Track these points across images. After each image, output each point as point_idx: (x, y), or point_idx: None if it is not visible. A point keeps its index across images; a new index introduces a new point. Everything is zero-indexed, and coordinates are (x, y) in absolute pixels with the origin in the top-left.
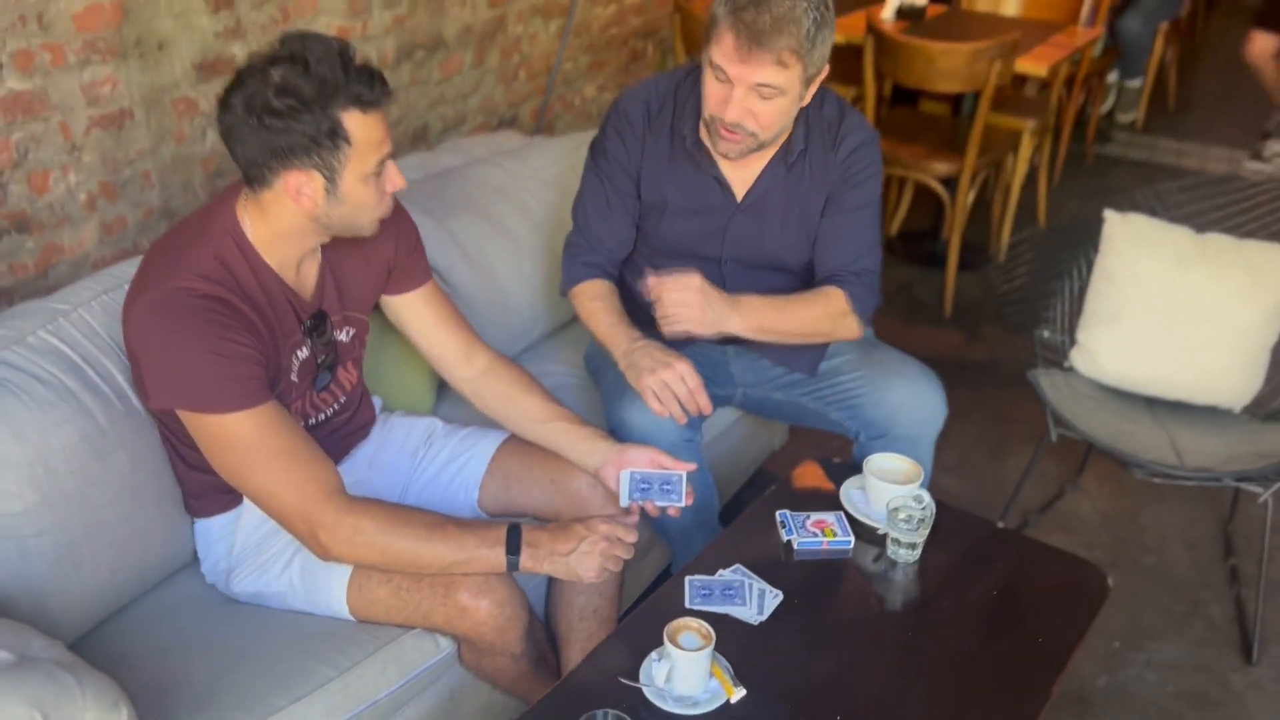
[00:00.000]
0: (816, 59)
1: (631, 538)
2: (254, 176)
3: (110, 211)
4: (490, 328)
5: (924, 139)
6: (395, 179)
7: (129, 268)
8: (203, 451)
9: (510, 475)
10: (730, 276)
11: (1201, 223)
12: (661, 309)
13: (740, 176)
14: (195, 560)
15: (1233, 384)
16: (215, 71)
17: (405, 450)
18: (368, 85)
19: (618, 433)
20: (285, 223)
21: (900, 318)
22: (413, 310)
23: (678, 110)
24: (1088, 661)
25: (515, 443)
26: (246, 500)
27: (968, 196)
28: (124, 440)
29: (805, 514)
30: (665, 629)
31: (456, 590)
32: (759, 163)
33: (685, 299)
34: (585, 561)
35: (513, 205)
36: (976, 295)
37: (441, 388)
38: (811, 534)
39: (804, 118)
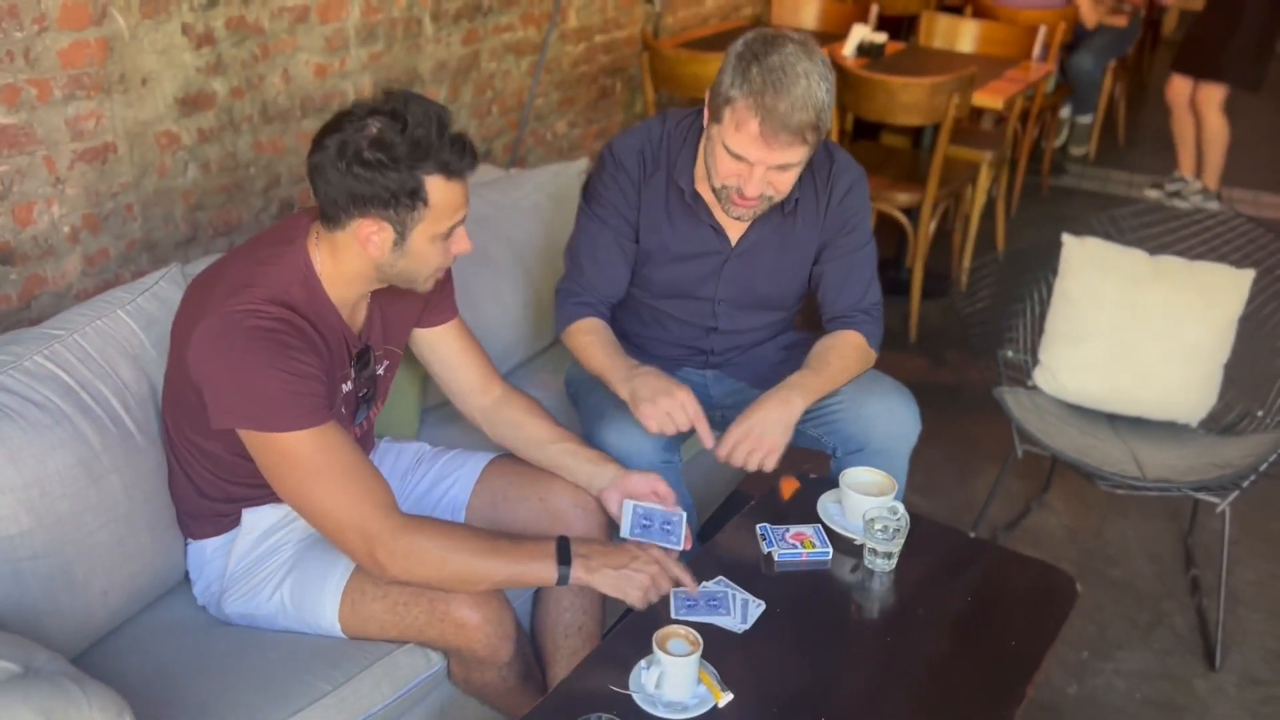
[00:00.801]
0: (828, 121)
1: (685, 579)
2: (330, 216)
3: (93, 244)
4: None
5: (886, 171)
6: (462, 243)
7: (124, 294)
8: (262, 471)
9: (497, 494)
10: (723, 315)
11: (1155, 246)
12: (750, 463)
13: (735, 223)
14: (186, 582)
15: (1189, 400)
16: (197, 106)
17: (395, 474)
18: (458, 154)
19: None
20: (351, 266)
21: None
22: (442, 343)
23: (670, 162)
24: (1058, 671)
25: (502, 463)
26: (243, 524)
27: (929, 225)
28: (117, 464)
29: (785, 527)
30: (654, 636)
31: (451, 604)
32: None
33: (745, 446)
34: (635, 580)
35: (493, 234)
36: (940, 321)
37: (425, 413)
38: (791, 546)
39: None
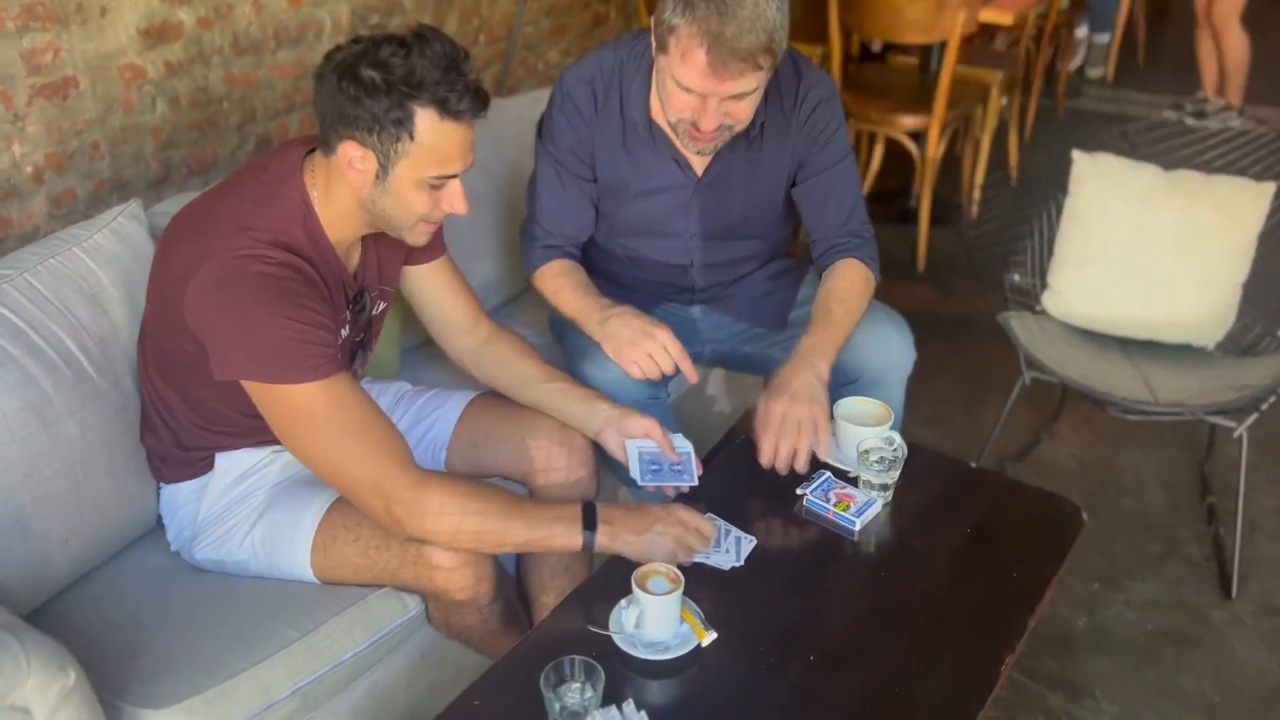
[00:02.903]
0: (783, 42)
1: (709, 531)
2: (324, 137)
3: (58, 184)
4: None
5: (892, 94)
6: (456, 201)
7: (81, 231)
8: (271, 425)
9: (478, 434)
10: (698, 250)
11: (1170, 161)
12: (792, 445)
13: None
14: (160, 528)
15: (1205, 321)
16: (163, 38)
17: None
18: (457, 94)
19: None
20: (342, 201)
21: None
22: (431, 280)
23: (624, 92)
24: (1067, 603)
25: (483, 401)
26: (216, 468)
27: (937, 150)
28: (72, 408)
29: (834, 481)
30: (634, 574)
31: (425, 546)
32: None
33: (791, 420)
34: (660, 543)
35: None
36: (949, 250)
37: (405, 353)
38: (826, 500)
39: None
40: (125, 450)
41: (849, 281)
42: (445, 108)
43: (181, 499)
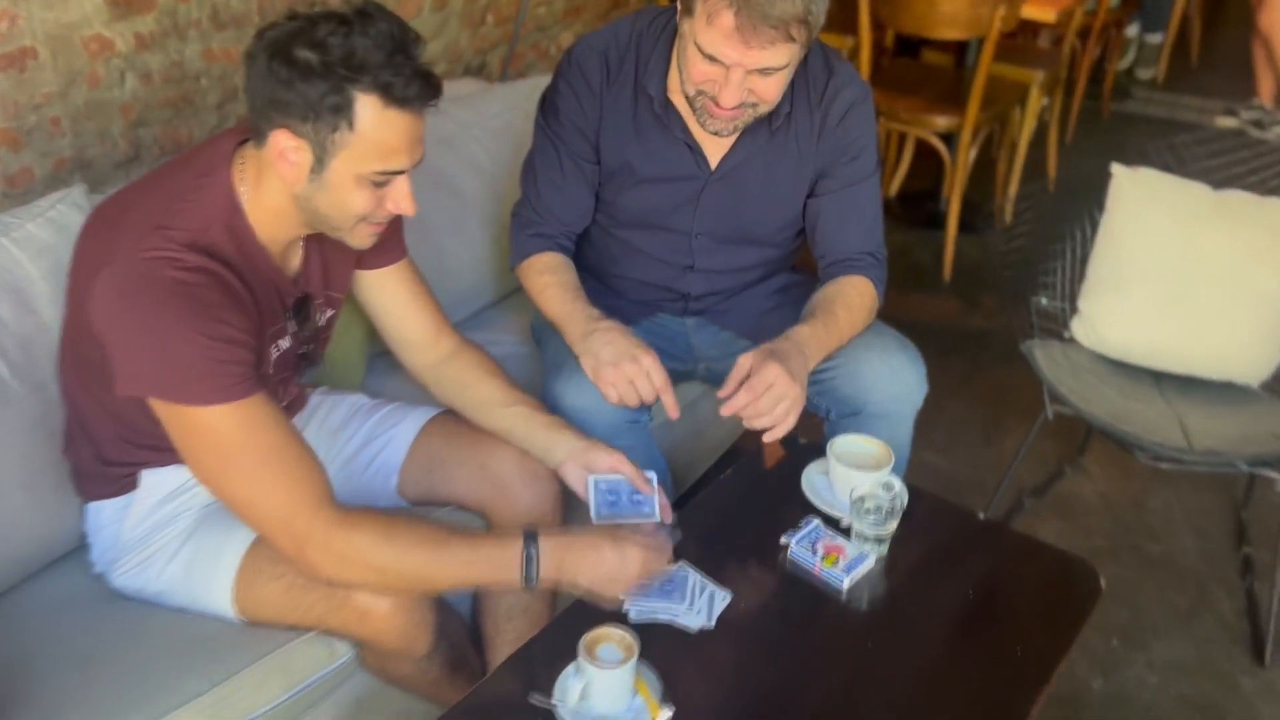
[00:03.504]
0: (821, 16)
1: (663, 561)
2: (254, 125)
3: (13, 162)
4: None
5: (924, 91)
6: (402, 200)
7: (11, 219)
8: (177, 448)
9: (434, 458)
10: (700, 251)
11: (1220, 179)
12: (763, 420)
13: (715, 141)
14: (85, 546)
15: (1250, 357)
16: (132, 8)
17: (325, 429)
18: (403, 79)
19: (553, 409)
20: (274, 197)
21: (894, 284)
22: (383, 287)
23: (641, 65)
24: (1082, 660)
25: (443, 421)
26: (140, 486)
27: (969, 153)
28: None
29: (823, 530)
30: (581, 640)
31: (353, 590)
32: (744, 126)
33: (776, 390)
34: (616, 581)
35: (457, 156)
36: (977, 259)
37: (372, 359)
38: (812, 551)
39: None
40: (44, 463)
41: (859, 295)
42: (390, 93)
43: (105, 518)
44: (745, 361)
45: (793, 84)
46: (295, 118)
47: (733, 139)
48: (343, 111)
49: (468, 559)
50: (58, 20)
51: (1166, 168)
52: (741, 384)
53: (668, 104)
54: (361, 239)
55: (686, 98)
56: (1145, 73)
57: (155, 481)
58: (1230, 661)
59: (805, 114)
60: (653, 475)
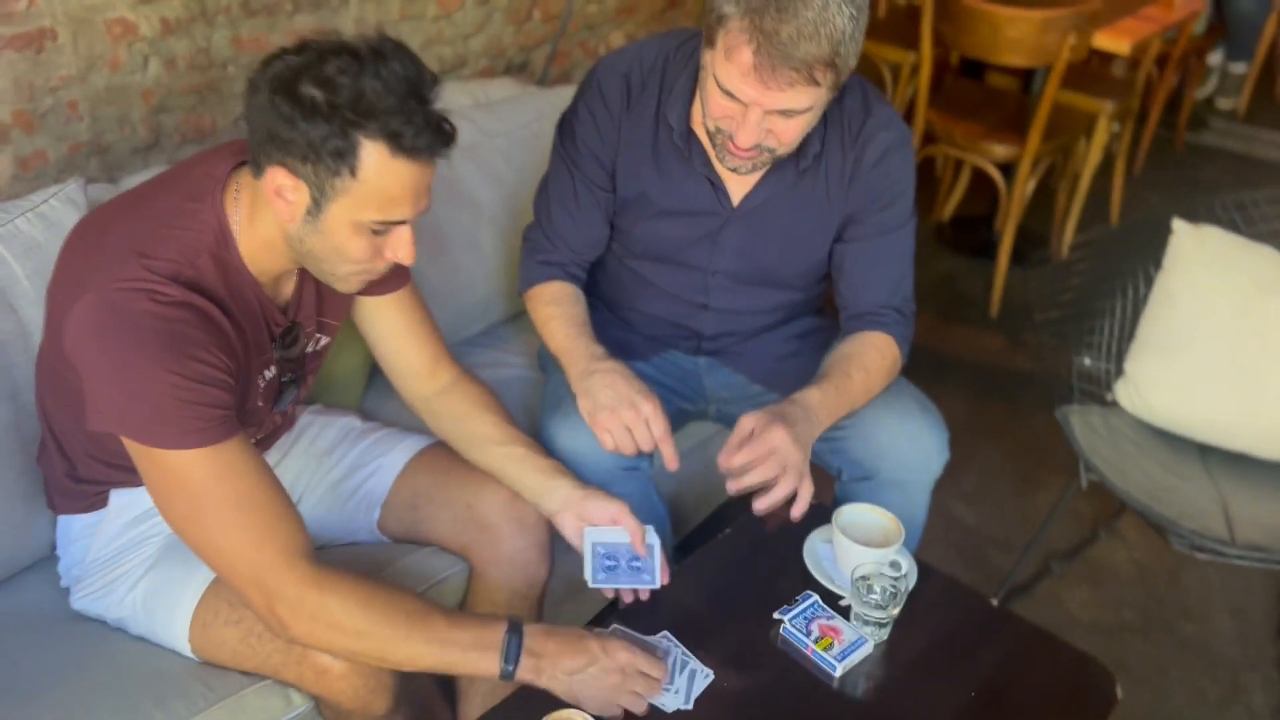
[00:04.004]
0: (851, 59)
1: (657, 674)
2: (253, 156)
3: (27, 144)
4: (434, 305)
5: (985, 116)
6: (401, 250)
7: (3, 214)
8: (147, 487)
9: (419, 494)
10: (716, 290)
11: None
12: (753, 478)
13: (738, 177)
14: (54, 557)
15: None
16: None
17: (312, 453)
18: (416, 128)
19: (547, 449)
20: (266, 229)
21: (939, 314)
22: (382, 315)
23: (664, 91)
24: None
25: (433, 454)
26: (110, 505)
27: (1026, 185)
28: None
29: (821, 608)
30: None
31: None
32: (765, 165)
33: (779, 457)
34: (593, 690)
35: (479, 167)
36: (1028, 295)
37: (375, 376)
38: (805, 631)
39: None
40: (15, 471)
41: (879, 354)
42: (398, 143)
43: (75, 533)
44: (747, 423)
45: (826, 122)
46: (295, 157)
47: (757, 175)
48: (345, 157)
49: (448, 642)
50: (80, 2)
51: (1234, 225)
52: (742, 445)
53: (689, 135)
54: (350, 285)
55: (707, 132)
56: (1226, 103)
57: (125, 502)
58: None
59: (838, 155)
60: (653, 538)
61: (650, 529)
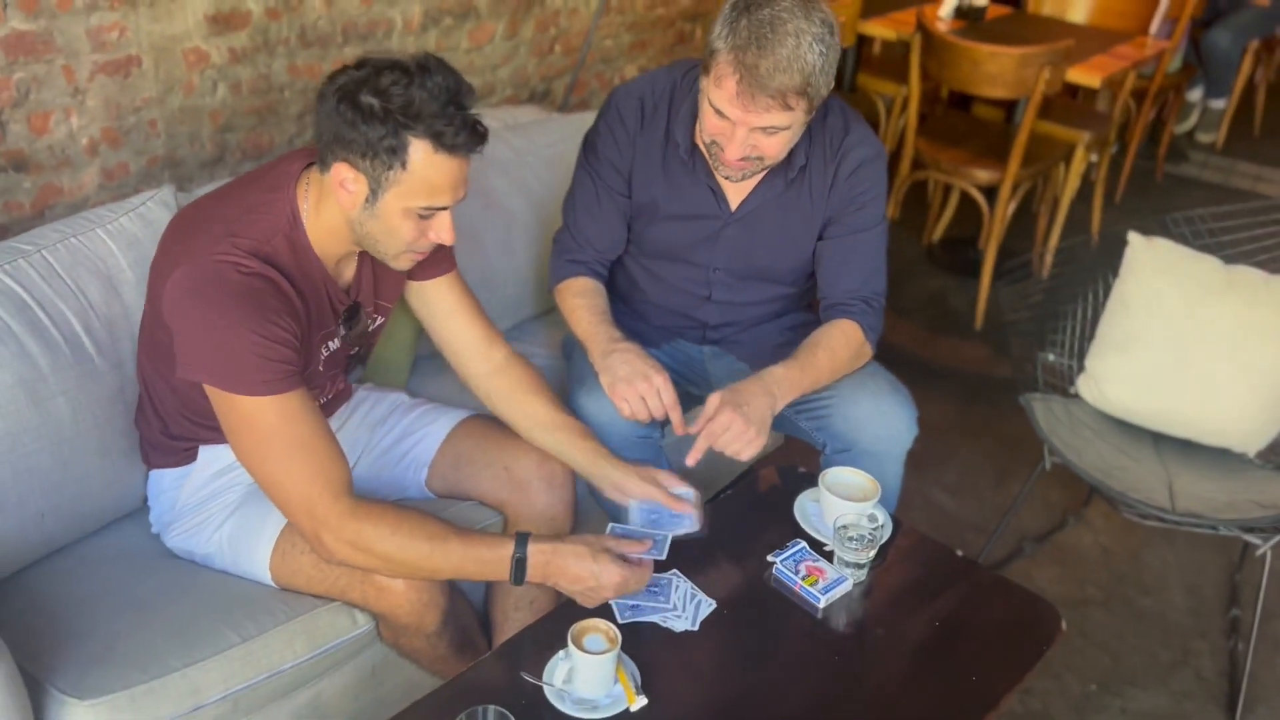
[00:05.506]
0: (823, 88)
1: (640, 583)
2: (320, 155)
3: (112, 157)
4: None
5: (969, 144)
6: (444, 232)
7: (107, 212)
8: (222, 427)
9: (461, 457)
10: (717, 284)
11: (1233, 255)
12: (719, 448)
13: (735, 186)
14: (146, 508)
15: (1247, 427)
16: (229, 25)
17: (366, 423)
18: (453, 128)
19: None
20: (331, 217)
21: (928, 327)
22: (435, 297)
23: (672, 113)
24: (1059, 701)
25: (473, 424)
26: (199, 459)
27: (1008, 207)
28: (66, 387)
29: (808, 553)
30: (571, 629)
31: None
32: (756, 174)
33: (732, 433)
34: (591, 598)
35: (511, 181)
36: (1001, 299)
37: (418, 362)
38: (795, 571)
39: (807, 130)
40: (117, 431)
41: (845, 338)
42: (440, 141)
43: (165, 485)
44: (714, 400)
45: (810, 139)
46: (356, 154)
47: (752, 184)
48: (398, 153)
49: (463, 555)
50: (162, 33)
51: (1183, 239)
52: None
53: (693, 149)
54: (404, 263)
55: (704, 145)
56: (1205, 137)
57: (212, 457)
58: (1203, 716)
59: (820, 167)
60: (689, 491)
61: (690, 488)
